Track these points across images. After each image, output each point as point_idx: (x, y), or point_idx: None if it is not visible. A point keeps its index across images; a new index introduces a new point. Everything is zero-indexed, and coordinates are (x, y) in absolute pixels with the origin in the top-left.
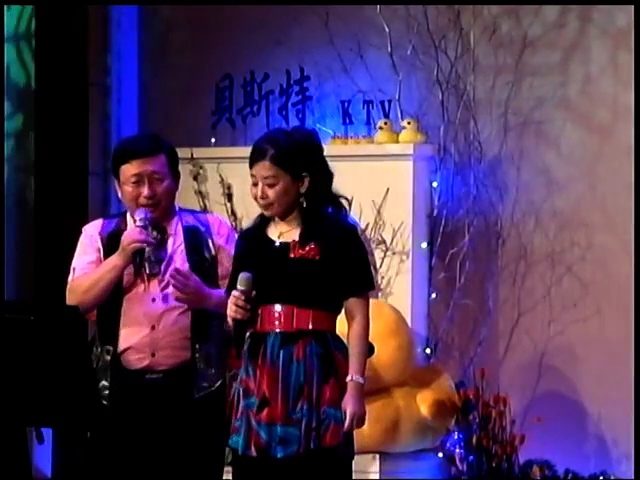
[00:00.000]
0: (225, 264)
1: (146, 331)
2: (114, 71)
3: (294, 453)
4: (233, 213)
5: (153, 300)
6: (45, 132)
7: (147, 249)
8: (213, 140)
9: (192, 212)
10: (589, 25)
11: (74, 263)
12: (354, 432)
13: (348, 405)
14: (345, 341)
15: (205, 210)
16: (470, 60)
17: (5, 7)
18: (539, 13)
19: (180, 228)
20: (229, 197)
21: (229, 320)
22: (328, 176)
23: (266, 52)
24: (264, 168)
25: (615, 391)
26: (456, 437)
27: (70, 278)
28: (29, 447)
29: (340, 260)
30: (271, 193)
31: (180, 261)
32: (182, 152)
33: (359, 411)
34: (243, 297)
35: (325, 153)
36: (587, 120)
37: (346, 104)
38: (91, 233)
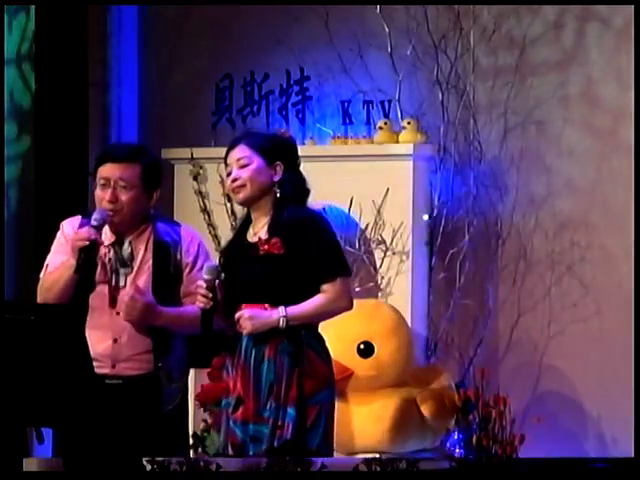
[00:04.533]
0: (187, 284)
1: (108, 343)
2: (114, 71)
3: (263, 451)
4: (233, 213)
5: (117, 313)
6: (45, 132)
7: (113, 262)
8: (213, 140)
9: (168, 223)
10: (589, 25)
11: (48, 259)
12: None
13: (248, 311)
14: (323, 338)
15: (205, 209)
16: (470, 60)
17: (7, 29)
18: (539, 13)
19: (152, 242)
20: (229, 197)
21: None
22: (302, 184)
23: (266, 52)
24: (238, 151)
25: (615, 391)
26: (456, 437)
27: (41, 274)
28: (29, 447)
29: (304, 250)
30: (244, 173)
31: (145, 277)
32: (182, 152)
33: (250, 317)
34: (204, 285)
35: (325, 153)
36: (587, 120)
37: (346, 104)
38: (68, 232)
